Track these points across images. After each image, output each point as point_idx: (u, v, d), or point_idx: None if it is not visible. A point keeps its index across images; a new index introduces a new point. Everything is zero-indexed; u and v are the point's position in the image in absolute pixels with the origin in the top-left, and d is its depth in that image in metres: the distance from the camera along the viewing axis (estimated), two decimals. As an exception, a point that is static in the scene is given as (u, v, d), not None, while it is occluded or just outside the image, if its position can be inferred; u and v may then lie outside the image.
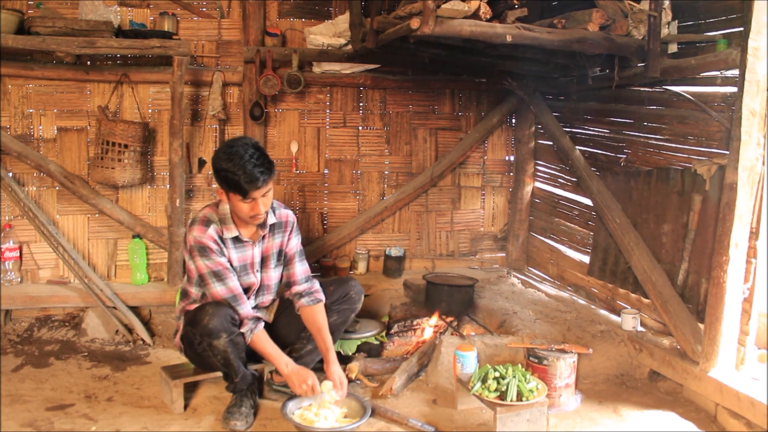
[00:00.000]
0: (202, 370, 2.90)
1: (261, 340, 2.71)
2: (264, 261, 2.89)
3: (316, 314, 2.85)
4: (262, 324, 2.78)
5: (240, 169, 2.53)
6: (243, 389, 2.76)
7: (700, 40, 3.10)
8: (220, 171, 2.58)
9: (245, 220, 2.69)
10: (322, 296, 2.90)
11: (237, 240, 2.77)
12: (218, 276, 2.68)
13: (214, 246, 2.68)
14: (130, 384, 3.10)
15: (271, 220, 2.83)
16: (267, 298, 2.95)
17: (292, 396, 2.76)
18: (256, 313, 2.80)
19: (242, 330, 2.68)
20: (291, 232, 2.92)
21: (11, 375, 3.16)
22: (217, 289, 2.67)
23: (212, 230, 2.69)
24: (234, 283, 2.71)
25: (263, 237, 2.84)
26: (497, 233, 4.75)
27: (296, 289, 2.90)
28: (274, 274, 2.92)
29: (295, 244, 2.93)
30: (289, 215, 2.93)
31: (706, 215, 3.02)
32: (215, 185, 3.06)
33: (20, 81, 3.78)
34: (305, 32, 4.10)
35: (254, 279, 2.86)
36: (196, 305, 2.78)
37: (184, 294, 2.91)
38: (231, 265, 2.75)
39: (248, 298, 2.82)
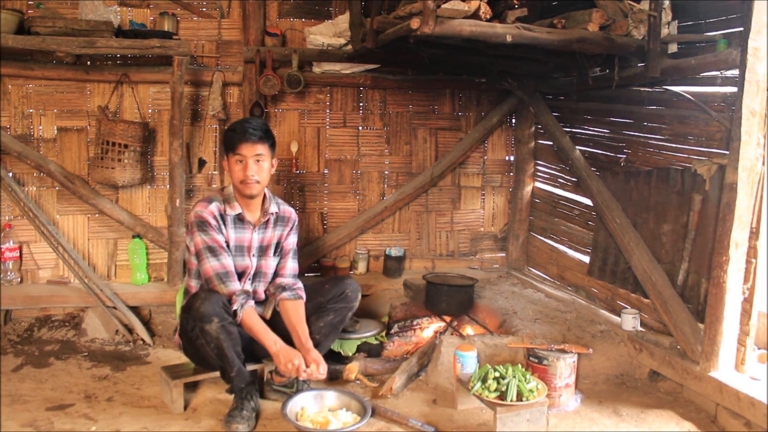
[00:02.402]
0: (200, 367, 2.90)
1: (250, 316, 2.70)
2: (264, 249, 2.94)
3: (296, 308, 2.85)
4: (253, 301, 2.77)
5: (237, 126, 2.80)
6: (242, 387, 2.73)
7: (700, 40, 3.10)
8: (225, 133, 2.85)
9: (237, 187, 2.81)
10: (303, 294, 2.92)
11: (239, 220, 2.85)
12: (213, 251, 2.74)
13: (212, 221, 2.78)
14: (130, 384, 3.10)
15: (274, 209, 2.95)
16: (262, 287, 2.95)
17: (291, 396, 2.77)
18: (246, 288, 2.81)
19: (233, 307, 2.67)
20: (291, 229, 3.01)
21: (11, 375, 3.16)
22: (211, 264, 2.72)
23: (213, 206, 2.81)
24: (227, 260, 2.76)
25: (265, 224, 2.92)
26: (497, 233, 4.75)
27: (281, 281, 2.93)
28: (272, 263, 2.97)
29: (292, 241, 3.01)
30: (292, 213, 3.04)
31: (706, 215, 3.02)
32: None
33: (20, 81, 3.79)
34: (305, 32, 4.10)
35: (248, 262, 2.88)
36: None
37: (186, 292, 2.93)
38: (228, 245, 2.81)
39: (242, 283, 2.82)
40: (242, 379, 2.74)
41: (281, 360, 2.62)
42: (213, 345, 2.62)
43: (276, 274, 2.98)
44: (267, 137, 2.83)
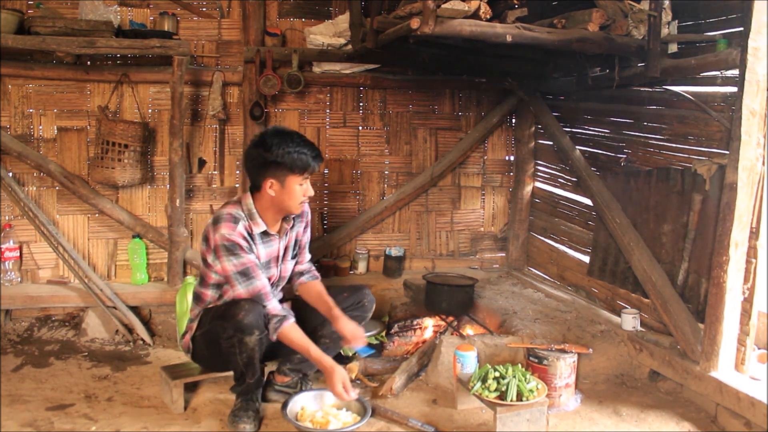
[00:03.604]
0: (210, 370, 2.89)
1: (293, 331, 2.66)
2: (285, 254, 2.92)
3: (316, 286, 2.98)
4: (293, 318, 2.71)
5: (304, 148, 2.65)
6: (252, 391, 2.72)
7: (700, 40, 3.10)
8: (284, 154, 2.62)
9: (293, 207, 2.74)
10: (318, 275, 3.05)
11: (265, 234, 2.79)
12: (245, 275, 2.63)
13: (243, 243, 2.64)
14: (130, 384, 3.10)
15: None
16: (280, 291, 2.97)
17: (291, 396, 2.77)
18: (282, 309, 2.75)
19: (273, 322, 2.66)
20: (306, 223, 3.02)
21: (11, 375, 3.16)
22: (246, 289, 2.63)
23: (241, 227, 2.66)
24: (262, 281, 2.66)
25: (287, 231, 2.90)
26: (497, 233, 4.75)
27: (298, 268, 3.02)
28: (290, 266, 2.98)
29: (307, 234, 3.05)
30: (306, 206, 2.99)
31: (706, 215, 3.02)
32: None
33: (20, 81, 3.78)
34: (305, 32, 4.10)
35: (275, 272, 2.88)
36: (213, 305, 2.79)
37: (198, 298, 2.86)
38: (259, 259, 2.73)
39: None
40: (257, 385, 2.75)
41: (336, 380, 2.59)
42: (245, 355, 2.60)
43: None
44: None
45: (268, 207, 2.74)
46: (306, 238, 3.05)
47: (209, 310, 2.77)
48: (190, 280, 3.32)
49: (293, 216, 2.88)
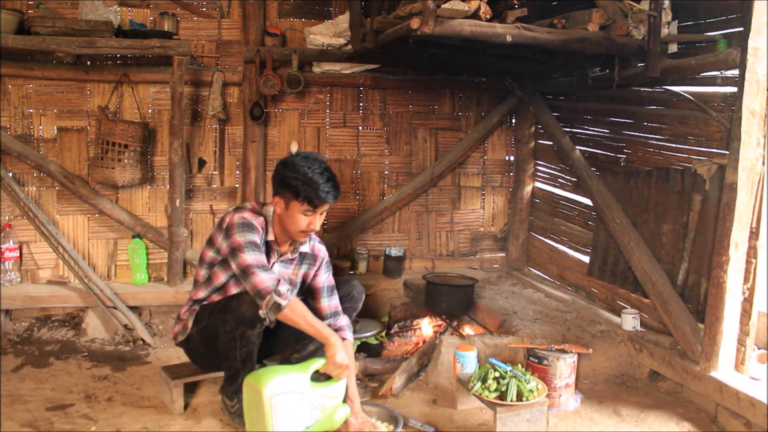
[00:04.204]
0: (201, 367, 2.89)
1: (301, 304, 2.54)
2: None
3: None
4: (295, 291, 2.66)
5: (317, 180, 2.52)
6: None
7: (700, 40, 3.10)
8: (294, 178, 2.54)
9: (294, 234, 2.64)
10: (346, 335, 2.77)
11: (267, 246, 2.70)
12: (255, 246, 2.54)
13: (260, 228, 2.61)
14: (130, 384, 3.10)
15: (306, 249, 2.79)
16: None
17: None
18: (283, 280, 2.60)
19: (281, 288, 2.45)
20: (320, 267, 2.85)
21: (11, 375, 3.16)
22: (248, 257, 2.49)
23: (261, 220, 2.65)
24: (265, 259, 2.58)
25: (291, 260, 2.78)
26: (497, 233, 4.75)
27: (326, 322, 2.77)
28: None
29: (324, 278, 2.84)
30: (321, 250, 2.86)
31: (706, 215, 3.02)
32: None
33: (20, 81, 3.79)
34: (305, 32, 4.10)
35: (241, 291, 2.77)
36: (206, 302, 2.78)
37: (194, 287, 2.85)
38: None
39: None
40: None
41: (336, 355, 2.46)
42: (245, 350, 2.58)
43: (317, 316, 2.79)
44: (339, 193, 2.62)
45: (277, 223, 2.69)
46: (321, 282, 2.83)
47: (207, 306, 2.75)
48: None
49: (303, 251, 2.77)
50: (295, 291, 2.81)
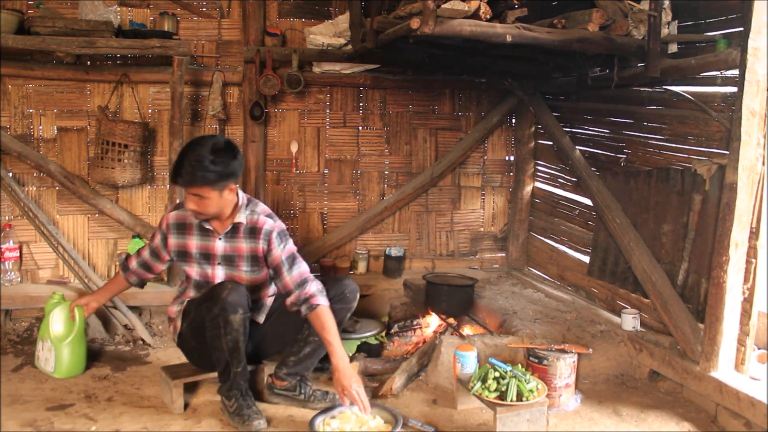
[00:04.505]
0: (198, 365, 2.89)
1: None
2: (233, 260, 2.78)
3: (316, 320, 2.67)
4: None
5: (176, 163, 2.66)
6: (241, 387, 2.70)
7: (700, 40, 3.10)
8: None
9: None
10: (319, 300, 2.69)
11: (201, 228, 2.78)
12: (149, 243, 2.95)
13: (163, 225, 2.87)
14: (130, 384, 3.10)
15: (242, 219, 2.74)
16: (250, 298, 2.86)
17: (323, 411, 2.65)
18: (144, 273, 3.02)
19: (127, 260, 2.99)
20: (269, 242, 2.74)
21: (11, 375, 3.16)
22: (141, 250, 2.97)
23: (174, 213, 2.86)
24: (144, 254, 2.97)
25: (234, 233, 2.76)
26: (497, 233, 4.75)
27: (289, 299, 2.74)
28: (248, 276, 2.81)
29: (280, 251, 2.74)
30: (266, 223, 2.75)
31: (706, 215, 3.02)
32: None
33: (20, 81, 3.79)
34: (305, 32, 4.10)
35: (211, 271, 2.79)
36: (192, 296, 2.84)
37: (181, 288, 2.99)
38: (189, 250, 2.80)
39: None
40: (244, 376, 2.72)
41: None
42: (230, 337, 2.59)
43: (284, 294, 2.77)
44: (185, 178, 2.57)
45: None
46: (277, 258, 2.74)
47: (193, 300, 2.80)
48: (57, 297, 3.19)
49: (240, 221, 2.73)
50: (246, 266, 2.80)
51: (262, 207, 2.82)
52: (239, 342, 2.62)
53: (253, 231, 2.75)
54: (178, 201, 2.95)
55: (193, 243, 2.80)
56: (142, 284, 3.07)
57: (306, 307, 2.69)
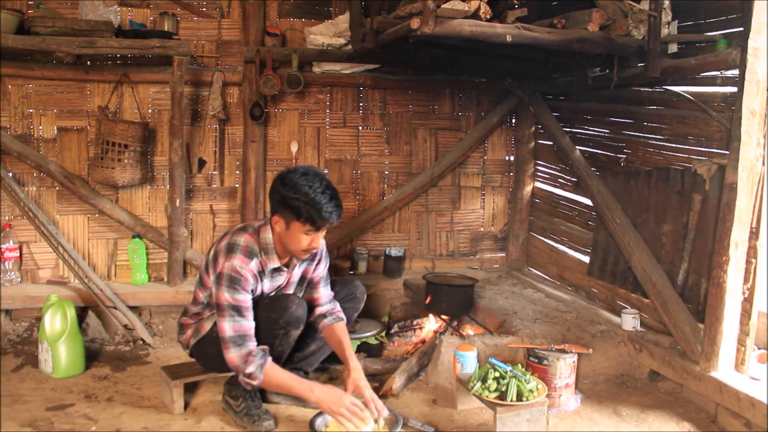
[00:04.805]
0: (211, 368, 2.84)
1: (274, 370, 2.49)
2: (285, 286, 2.83)
3: (336, 330, 2.80)
4: (270, 357, 2.54)
5: (319, 200, 2.46)
6: (250, 391, 2.69)
7: (700, 40, 3.10)
8: (295, 199, 2.48)
9: (296, 253, 2.61)
10: (343, 316, 2.86)
11: (276, 270, 2.70)
12: (238, 311, 2.51)
13: (251, 279, 2.55)
14: (130, 384, 3.10)
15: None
16: None
17: (322, 412, 2.61)
18: (262, 347, 2.58)
19: (248, 370, 2.47)
20: (319, 261, 2.86)
21: (11, 375, 3.16)
22: (231, 324, 2.49)
23: (254, 264, 2.57)
24: (248, 323, 2.53)
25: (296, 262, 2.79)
26: (497, 233, 4.75)
27: (319, 310, 2.86)
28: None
29: (322, 270, 2.87)
30: (321, 244, 2.79)
31: (706, 215, 3.02)
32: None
33: (20, 81, 3.79)
34: (305, 32, 4.10)
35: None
36: (204, 313, 2.78)
37: (194, 298, 2.82)
38: (262, 293, 2.69)
39: None
40: None
41: (325, 406, 2.46)
42: (281, 349, 2.64)
43: (312, 306, 2.85)
44: (342, 212, 2.57)
45: (278, 241, 2.64)
46: (320, 274, 2.88)
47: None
48: (53, 299, 3.21)
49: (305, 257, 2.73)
50: (292, 289, 2.85)
51: None
52: (285, 354, 2.66)
53: (311, 255, 2.77)
54: (245, 245, 2.59)
55: (266, 285, 2.70)
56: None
57: (332, 318, 2.85)
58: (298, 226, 2.51)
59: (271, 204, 2.64)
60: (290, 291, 2.85)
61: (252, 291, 2.59)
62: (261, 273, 2.63)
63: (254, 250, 2.59)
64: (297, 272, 2.84)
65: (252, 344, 2.51)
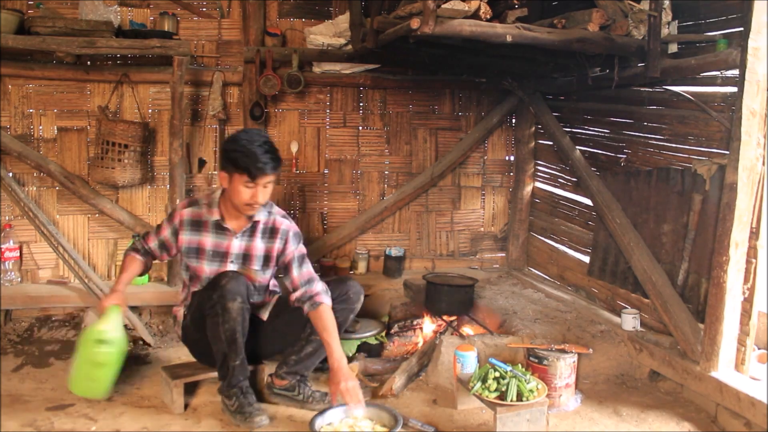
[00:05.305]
0: (202, 361, 2.89)
1: (128, 261, 2.90)
2: (246, 258, 2.83)
3: (317, 318, 2.71)
4: (138, 252, 2.90)
5: (255, 151, 2.61)
6: (241, 385, 2.69)
7: (700, 40, 3.10)
8: (234, 150, 2.64)
9: (240, 207, 2.71)
10: (323, 299, 2.75)
11: (218, 226, 2.79)
12: (155, 229, 2.90)
13: (176, 219, 2.82)
14: (130, 384, 3.10)
15: (261, 218, 2.80)
16: (255, 298, 2.89)
17: (322, 412, 2.61)
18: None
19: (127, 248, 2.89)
20: (286, 241, 2.84)
21: (11, 375, 3.16)
22: (151, 233, 2.90)
23: (191, 210, 2.82)
24: (152, 235, 2.88)
25: (250, 232, 2.81)
26: (497, 233, 4.75)
27: (294, 295, 2.80)
28: (259, 276, 2.87)
29: (290, 251, 2.84)
30: (283, 223, 2.85)
31: (706, 215, 3.02)
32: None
33: (20, 81, 3.79)
34: (305, 32, 4.10)
35: (222, 269, 2.79)
36: (195, 288, 2.85)
37: (183, 285, 2.99)
38: (203, 247, 2.80)
39: None
40: (243, 372, 2.71)
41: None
42: (228, 326, 2.60)
43: (290, 290, 2.84)
44: (279, 164, 2.69)
45: (227, 199, 2.77)
46: (289, 255, 2.83)
47: (197, 292, 2.82)
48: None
49: (259, 219, 2.79)
50: (257, 264, 2.86)
51: (277, 208, 2.93)
52: (237, 332, 2.62)
53: (272, 231, 2.85)
54: (192, 197, 2.95)
55: (208, 241, 2.80)
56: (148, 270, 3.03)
57: (309, 304, 2.76)
58: (237, 178, 2.65)
59: (219, 163, 2.87)
60: (254, 266, 2.84)
61: (177, 230, 2.81)
62: (200, 223, 2.80)
63: (198, 201, 2.85)
64: (258, 246, 2.82)
65: (141, 247, 2.88)
